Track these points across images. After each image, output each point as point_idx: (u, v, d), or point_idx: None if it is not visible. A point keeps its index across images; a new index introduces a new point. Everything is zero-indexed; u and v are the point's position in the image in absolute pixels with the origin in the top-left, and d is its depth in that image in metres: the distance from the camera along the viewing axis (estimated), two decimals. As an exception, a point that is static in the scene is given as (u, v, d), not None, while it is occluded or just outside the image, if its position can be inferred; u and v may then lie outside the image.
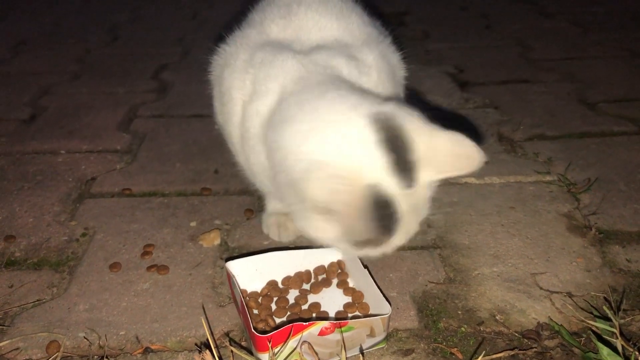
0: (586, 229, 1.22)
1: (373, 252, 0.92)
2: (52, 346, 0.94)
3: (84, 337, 0.96)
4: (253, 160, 1.05)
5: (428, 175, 0.89)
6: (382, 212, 0.85)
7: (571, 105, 1.84)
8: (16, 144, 1.66)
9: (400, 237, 0.90)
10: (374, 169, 0.84)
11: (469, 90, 2.00)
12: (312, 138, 0.88)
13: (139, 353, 0.94)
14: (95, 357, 0.93)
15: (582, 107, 1.82)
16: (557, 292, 1.05)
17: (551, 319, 0.98)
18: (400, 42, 2.62)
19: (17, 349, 0.94)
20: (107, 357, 0.92)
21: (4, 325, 0.99)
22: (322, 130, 0.88)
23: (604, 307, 0.95)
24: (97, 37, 2.78)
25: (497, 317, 0.99)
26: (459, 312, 1.01)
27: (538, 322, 0.98)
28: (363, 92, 0.95)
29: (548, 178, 1.42)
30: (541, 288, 1.06)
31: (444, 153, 0.88)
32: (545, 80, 2.06)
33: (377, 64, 1.07)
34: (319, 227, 0.88)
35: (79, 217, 1.31)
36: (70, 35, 2.83)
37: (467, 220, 1.27)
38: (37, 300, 1.06)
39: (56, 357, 0.92)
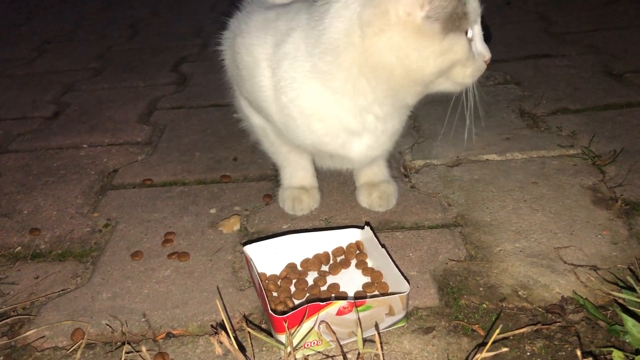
0: (612, 201, 1.18)
1: None
2: (77, 334, 0.96)
3: (107, 325, 0.98)
4: None
5: None
6: None
7: (595, 78, 1.79)
8: (40, 141, 1.69)
9: None
10: None
11: (489, 67, 1.95)
12: None
13: (160, 338, 0.95)
14: (118, 343, 0.94)
15: (607, 78, 1.77)
16: (581, 266, 1.02)
17: (576, 293, 0.95)
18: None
19: (43, 337, 0.96)
20: (129, 343, 0.93)
21: (30, 315, 1.02)
22: None
23: (628, 278, 0.92)
24: (118, 33, 2.82)
25: (519, 293, 0.97)
26: (481, 289, 0.99)
27: (562, 297, 0.95)
28: None
29: (572, 151, 1.38)
30: (565, 262, 1.03)
31: None
32: (568, 53, 2.01)
33: None
34: None
35: (102, 209, 1.32)
36: (92, 33, 2.87)
37: (489, 197, 1.25)
38: (62, 290, 1.07)
39: (81, 344, 0.93)
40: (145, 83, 2.11)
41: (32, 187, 1.44)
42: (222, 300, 1.01)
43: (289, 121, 1.08)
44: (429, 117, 1.63)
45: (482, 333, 0.90)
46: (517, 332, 0.88)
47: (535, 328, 0.89)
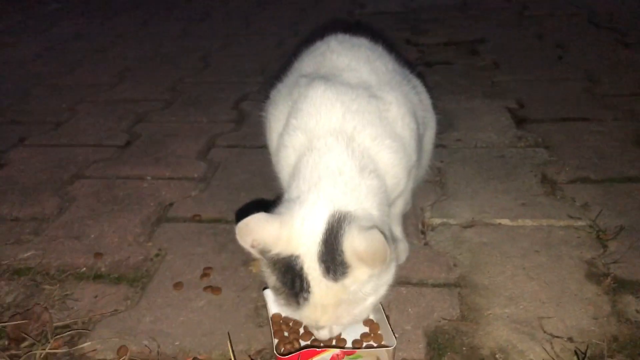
0: (603, 277, 1.29)
1: (293, 314, 1.04)
2: (121, 350, 1.17)
3: (146, 345, 1.18)
4: None
5: (358, 274, 0.97)
6: (290, 281, 0.99)
7: (624, 147, 1.87)
8: (111, 169, 1.95)
9: (312, 314, 1.00)
10: (308, 249, 0.99)
11: (524, 127, 2.07)
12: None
13: (187, 362, 1.14)
14: (153, 362, 1.15)
15: (636, 149, 1.85)
16: (558, 337, 1.14)
17: (545, 362, 1.08)
18: (468, 72, 2.67)
19: (95, 350, 1.18)
20: (162, 363, 1.14)
21: (88, 330, 1.24)
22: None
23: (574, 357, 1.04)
24: (191, 64, 3.08)
25: (497, 356, 1.11)
26: (464, 349, 1.13)
27: (533, 364, 1.08)
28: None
29: (580, 223, 1.49)
30: (545, 331, 1.16)
31: (363, 251, 0.95)
32: (604, 118, 2.09)
33: (398, 101, 1.22)
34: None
35: (155, 239, 1.54)
36: (168, 62, 3.15)
37: (492, 262, 1.38)
38: (115, 310, 1.29)
39: (124, 359, 1.14)
40: (208, 119, 2.34)
41: (100, 213, 1.68)
42: (242, 334, 1.20)
43: None
44: (455, 175, 1.77)
45: (455, 389, 1.04)
46: (484, 392, 1.02)
47: (502, 390, 1.03)
